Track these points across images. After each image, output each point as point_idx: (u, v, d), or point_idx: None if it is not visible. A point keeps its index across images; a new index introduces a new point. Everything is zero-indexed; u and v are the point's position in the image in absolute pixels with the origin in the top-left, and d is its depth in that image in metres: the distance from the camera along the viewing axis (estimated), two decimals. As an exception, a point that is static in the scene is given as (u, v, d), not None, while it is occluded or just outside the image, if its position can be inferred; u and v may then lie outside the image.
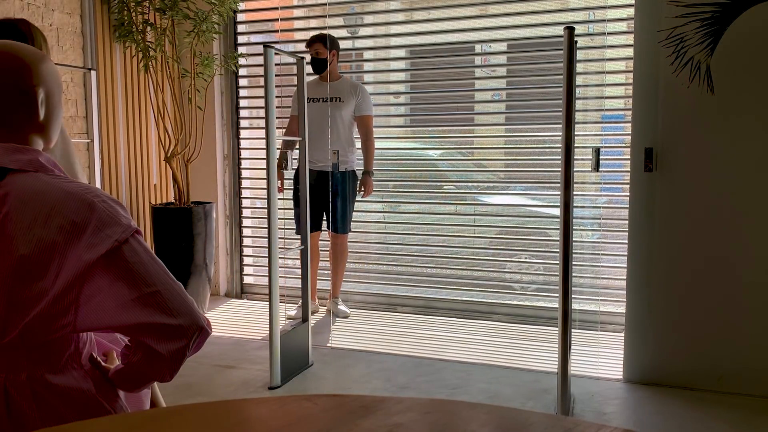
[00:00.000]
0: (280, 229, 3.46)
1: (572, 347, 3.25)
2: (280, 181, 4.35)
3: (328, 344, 3.88)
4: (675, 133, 3.11)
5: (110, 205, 1.18)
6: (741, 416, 2.88)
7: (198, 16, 4.15)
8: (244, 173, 4.97)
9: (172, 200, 4.71)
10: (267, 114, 3.15)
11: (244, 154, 4.95)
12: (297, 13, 5.26)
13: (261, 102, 4.69)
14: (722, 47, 2.90)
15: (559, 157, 2.87)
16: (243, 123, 4.94)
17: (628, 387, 3.22)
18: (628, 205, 3.26)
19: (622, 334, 3.36)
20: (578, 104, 3.82)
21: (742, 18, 2.86)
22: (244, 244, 5.01)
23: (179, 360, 1.15)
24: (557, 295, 2.93)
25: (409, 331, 4.14)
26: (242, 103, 4.93)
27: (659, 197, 3.16)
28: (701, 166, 3.09)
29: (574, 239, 3.22)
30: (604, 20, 4.05)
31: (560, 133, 2.73)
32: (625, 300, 3.32)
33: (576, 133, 3.17)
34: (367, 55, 5.10)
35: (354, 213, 4.45)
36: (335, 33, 4.37)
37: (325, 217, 4.40)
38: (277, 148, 3.48)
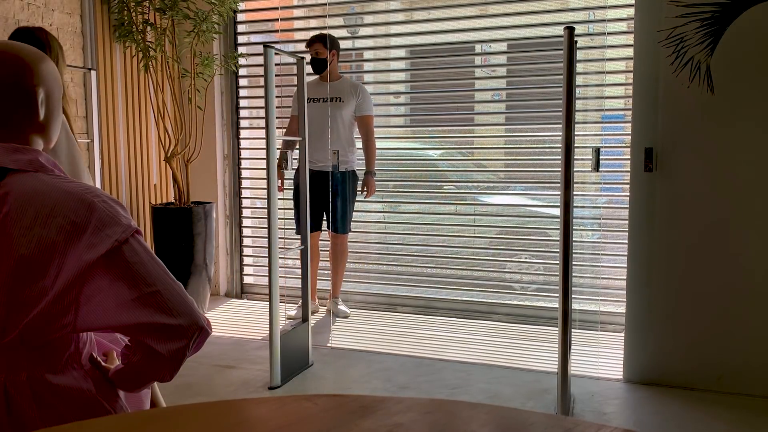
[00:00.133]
0: (280, 229, 3.46)
1: (572, 347, 3.25)
2: (280, 181, 4.35)
3: (328, 344, 3.88)
4: (675, 133, 3.11)
5: (110, 205, 1.18)
6: (741, 416, 2.88)
7: (198, 16, 4.15)
8: (244, 173, 4.97)
9: (172, 200, 4.71)
10: (267, 114, 3.15)
11: (244, 154, 4.95)
12: (297, 13, 5.26)
13: (261, 102, 4.69)
14: (722, 47, 2.90)
15: (559, 157, 2.87)
16: (243, 123, 4.94)
17: (628, 387, 3.22)
18: (628, 205, 3.26)
19: (622, 334, 3.36)
20: (578, 104, 3.82)
21: (742, 18, 2.85)
22: (244, 244, 5.01)
23: (179, 360, 1.15)
24: (557, 295, 2.93)
25: (409, 331, 4.14)
26: (242, 103, 4.93)
27: (659, 197, 3.16)
28: (701, 166, 3.09)
29: (574, 239, 3.22)
30: (604, 20, 4.05)
31: (560, 133, 2.73)
32: (625, 300, 3.32)
33: (576, 133, 3.17)
34: (367, 55, 5.09)
35: (354, 213, 4.45)
36: (335, 33, 4.37)
37: (325, 217, 4.40)
38: (278, 148, 3.48)
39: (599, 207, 4.31)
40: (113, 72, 4.31)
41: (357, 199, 4.41)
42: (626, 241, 3.31)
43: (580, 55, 3.90)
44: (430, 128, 4.77)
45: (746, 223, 3.05)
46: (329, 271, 4.50)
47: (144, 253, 1.17)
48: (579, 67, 3.92)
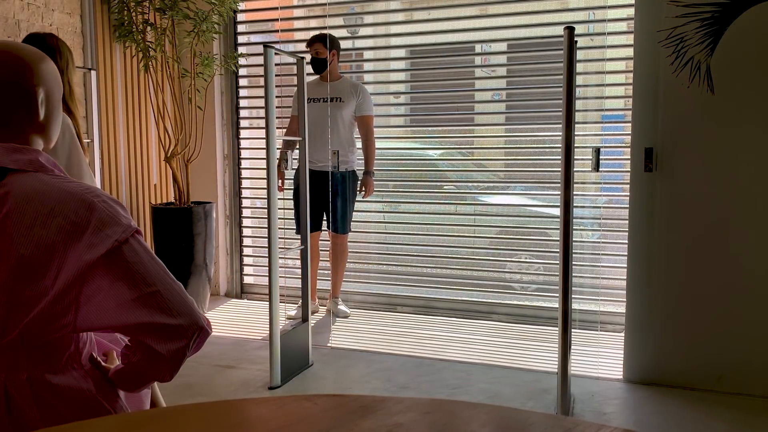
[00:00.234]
0: (280, 229, 3.46)
1: (572, 347, 3.25)
2: (281, 181, 4.36)
3: (328, 344, 3.88)
4: (675, 133, 3.11)
5: (110, 205, 1.18)
6: (741, 416, 2.88)
7: (198, 16, 4.15)
8: (244, 173, 4.97)
9: (172, 200, 4.71)
10: (267, 114, 3.15)
11: (244, 154, 4.95)
12: (297, 13, 5.26)
13: (261, 102, 4.69)
14: (722, 47, 2.90)
15: (559, 157, 2.87)
16: (243, 123, 4.94)
17: (628, 387, 3.22)
18: (628, 205, 3.26)
19: (622, 334, 3.36)
20: (578, 104, 3.82)
21: (742, 18, 2.85)
22: (244, 244, 5.01)
23: (179, 360, 1.15)
24: (557, 295, 2.93)
25: (409, 331, 4.14)
26: (242, 103, 4.93)
27: (659, 197, 3.16)
28: (701, 166, 3.09)
29: (574, 239, 3.22)
30: (604, 20, 4.05)
31: (560, 133, 2.73)
32: (625, 300, 3.32)
33: (576, 133, 3.17)
34: (367, 55, 5.09)
35: (354, 213, 4.45)
36: (335, 33, 4.37)
37: (325, 217, 4.40)
38: (278, 148, 3.48)
39: (599, 207, 4.31)
40: (113, 72, 4.31)
41: (357, 199, 4.41)
42: (626, 241, 3.31)
43: (580, 55, 3.90)
44: (430, 128, 4.77)
45: (746, 223, 3.05)
46: (329, 271, 4.50)
47: (144, 253, 1.17)
48: (579, 67, 3.92)
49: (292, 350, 3.35)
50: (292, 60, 4.47)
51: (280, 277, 3.32)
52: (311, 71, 4.28)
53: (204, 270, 4.32)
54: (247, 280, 5.03)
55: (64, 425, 1.02)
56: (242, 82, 4.94)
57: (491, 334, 4.06)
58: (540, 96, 4.29)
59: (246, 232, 5.04)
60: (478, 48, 4.57)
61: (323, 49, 4.21)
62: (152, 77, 4.31)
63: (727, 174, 3.05)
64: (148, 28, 4.24)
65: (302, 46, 4.43)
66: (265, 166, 3.30)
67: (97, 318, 1.14)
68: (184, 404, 1.09)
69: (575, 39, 2.78)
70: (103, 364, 1.30)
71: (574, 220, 3.27)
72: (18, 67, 1.22)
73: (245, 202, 5.01)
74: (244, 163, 4.96)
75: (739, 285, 3.08)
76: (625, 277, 3.31)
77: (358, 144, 4.40)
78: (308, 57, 4.16)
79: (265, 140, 3.27)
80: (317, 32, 4.32)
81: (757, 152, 3.01)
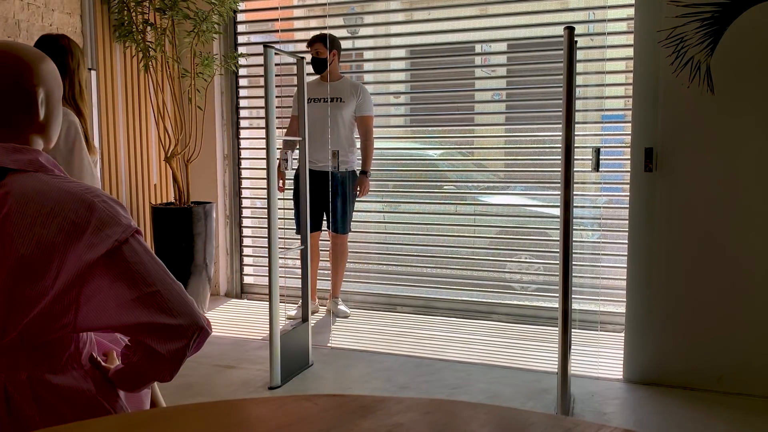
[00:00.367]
0: (280, 229, 3.46)
1: (572, 347, 3.25)
2: (281, 181, 4.36)
3: (328, 344, 3.88)
4: (675, 133, 3.11)
5: (110, 205, 1.18)
6: (741, 416, 2.88)
7: (198, 16, 4.15)
8: (244, 173, 4.97)
9: (172, 200, 4.71)
10: (267, 114, 3.15)
11: (244, 154, 4.95)
12: (297, 13, 5.26)
13: (261, 102, 4.69)
14: (722, 47, 2.90)
15: (559, 157, 2.87)
16: (243, 123, 4.94)
17: (628, 387, 3.22)
18: (628, 205, 3.26)
19: (622, 334, 3.36)
20: (578, 104, 3.82)
21: (742, 18, 2.85)
22: (244, 244, 5.01)
23: (179, 360, 1.15)
24: (557, 295, 2.93)
25: (409, 331, 4.14)
26: (242, 103, 4.93)
27: (659, 197, 3.16)
28: (701, 166, 3.09)
29: (574, 239, 3.22)
30: (604, 20, 4.05)
31: (560, 133, 2.73)
32: (625, 300, 3.32)
33: (576, 133, 3.17)
34: (367, 55, 5.10)
35: (354, 213, 4.45)
36: (335, 33, 4.37)
37: (325, 217, 4.40)
38: (278, 148, 3.48)
39: (599, 207, 4.31)
40: (113, 72, 4.31)
41: (357, 198, 4.41)
42: (626, 241, 3.31)
43: (580, 55, 3.90)
44: (430, 128, 4.77)
45: (746, 223, 3.05)
46: (329, 271, 4.50)
47: (144, 253, 1.17)
48: (579, 67, 3.92)
49: (292, 350, 3.35)
50: (292, 60, 4.47)
51: (280, 277, 3.32)
52: (311, 71, 4.28)
53: (204, 270, 4.32)
54: (247, 280, 5.03)
55: (64, 425, 1.02)
56: (242, 82, 4.94)
57: (491, 334, 4.06)
58: (540, 96, 4.29)
59: (246, 232, 5.04)
60: (478, 48, 4.57)
61: (323, 49, 4.21)
62: (152, 77, 4.31)
63: (728, 174, 3.05)
64: (148, 28, 4.24)
65: (302, 46, 4.43)
66: (265, 166, 3.30)
67: (97, 318, 1.14)
68: (184, 404, 1.09)
69: (575, 39, 2.78)
70: (103, 364, 1.30)
71: (574, 220, 3.27)
72: (18, 67, 1.22)
73: (245, 202, 5.01)
74: (244, 163, 4.96)
75: (739, 285, 3.08)
76: (625, 277, 3.31)
77: (359, 144, 4.40)
78: (308, 57, 4.16)
79: (265, 140, 3.27)
80: (317, 32, 4.32)
81: (757, 152, 3.01)
